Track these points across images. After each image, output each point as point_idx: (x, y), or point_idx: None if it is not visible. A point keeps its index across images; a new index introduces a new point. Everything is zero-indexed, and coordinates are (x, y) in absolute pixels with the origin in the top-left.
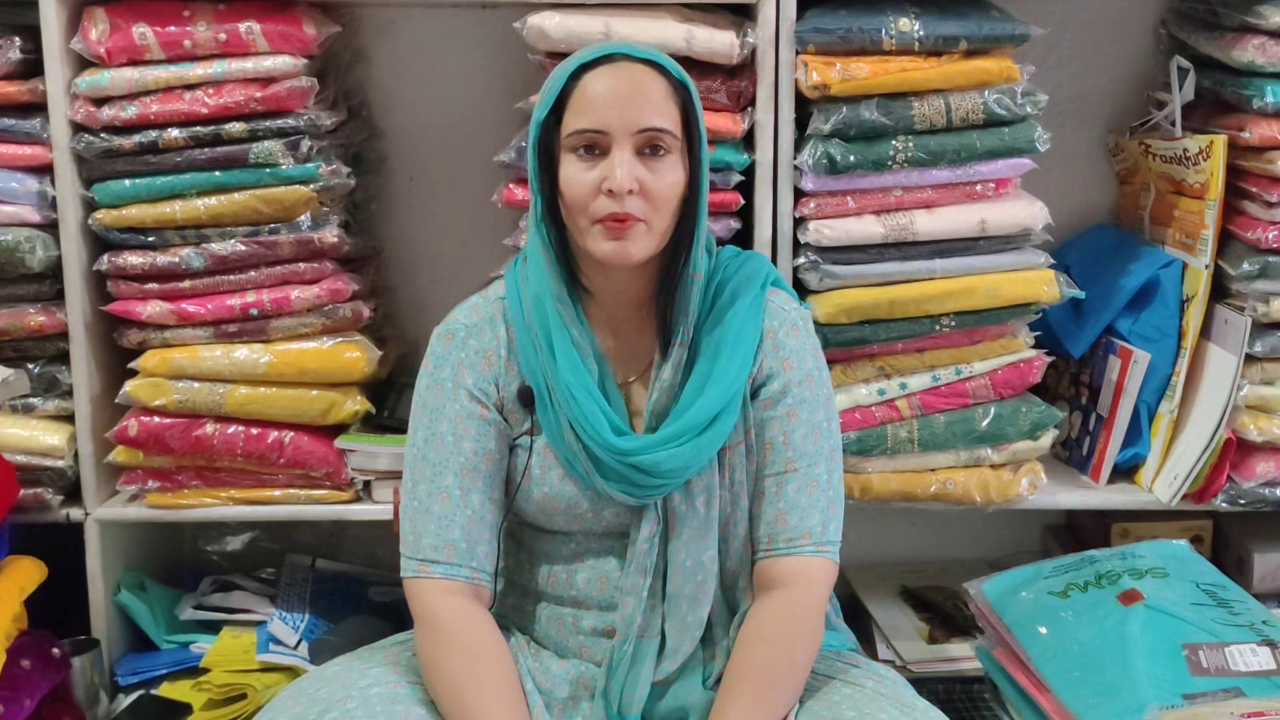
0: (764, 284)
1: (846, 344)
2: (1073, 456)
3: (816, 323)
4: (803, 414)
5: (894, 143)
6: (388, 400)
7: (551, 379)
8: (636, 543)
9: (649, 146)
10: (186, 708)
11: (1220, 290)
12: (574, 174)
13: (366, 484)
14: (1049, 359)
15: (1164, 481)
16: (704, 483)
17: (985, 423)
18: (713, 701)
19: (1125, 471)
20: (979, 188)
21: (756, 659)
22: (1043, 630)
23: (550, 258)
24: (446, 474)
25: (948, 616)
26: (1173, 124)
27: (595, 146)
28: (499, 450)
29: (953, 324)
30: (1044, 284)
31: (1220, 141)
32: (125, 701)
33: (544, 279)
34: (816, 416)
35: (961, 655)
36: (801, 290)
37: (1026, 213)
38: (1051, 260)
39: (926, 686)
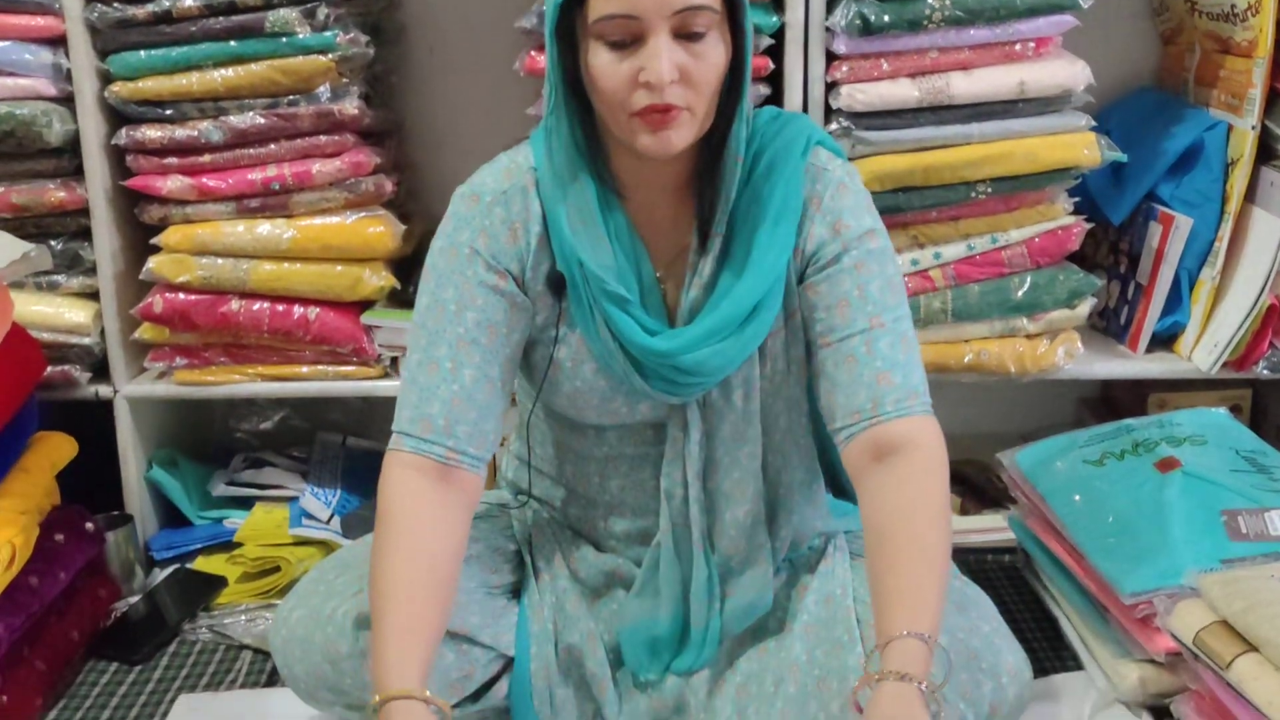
0: (805, 149)
1: (880, 213)
2: (1110, 326)
3: None
4: (873, 266)
5: (930, 1)
6: (413, 276)
7: (584, 269)
8: (674, 442)
9: (688, 28)
10: (222, 580)
11: (1267, 152)
12: (605, 66)
13: (394, 360)
14: (1088, 225)
15: (1204, 349)
16: (742, 375)
17: (1021, 292)
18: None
19: (1164, 341)
20: (1018, 47)
21: (911, 529)
22: (1077, 498)
23: (575, 145)
24: (440, 344)
25: (979, 489)
26: None
27: (627, 33)
28: (508, 325)
29: (989, 190)
30: (1084, 147)
31: None
32: (160, 575)
33: (568, 163)
34: (888, 269)
35: (993, 526)
36: None
37: (1067, 73)
38: (1093, 123)
39: (958, 558)
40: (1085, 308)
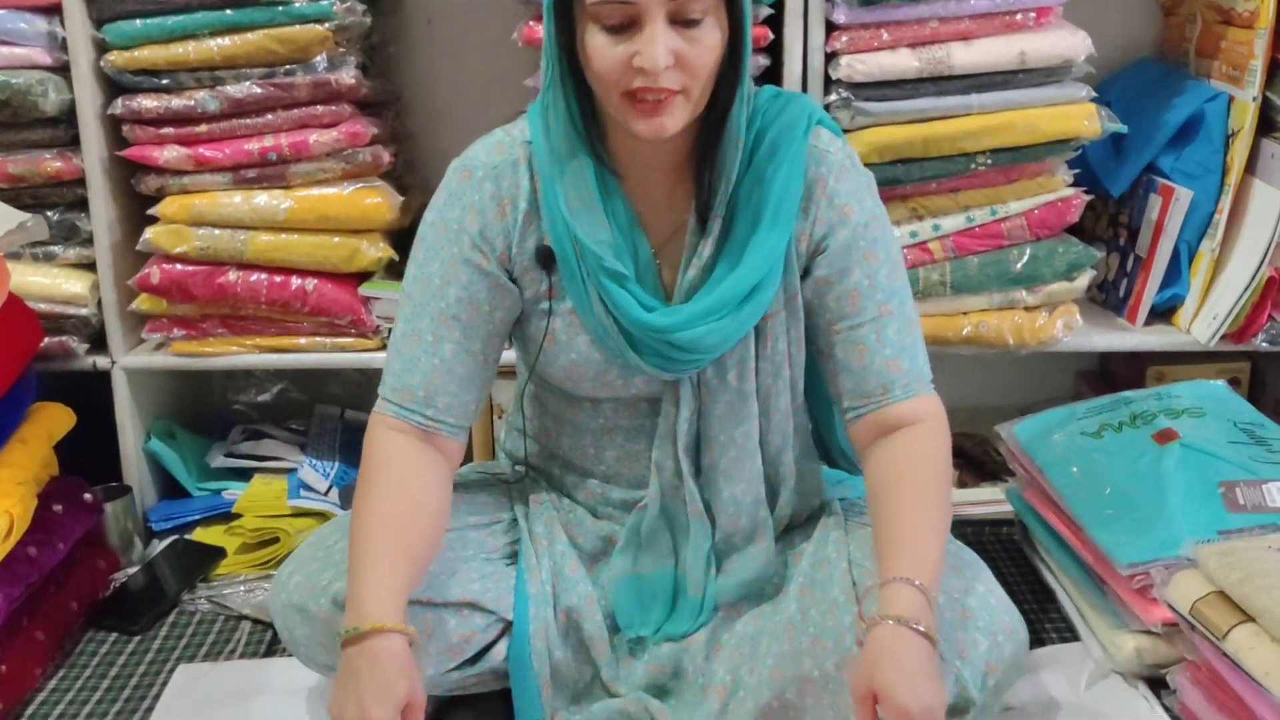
0: (806, 130)
1: (878, 185)
2: (1109, 299)
3: None
4: (880, 253)
5: None
6: (408, 246)
7: (580, 245)
8: (666, 417)
9: (684, 14)
10: (220, 551)
11: (1267, 124)
12: (600, 48)
13: (390, 331)
14: (1087, 197)
15: (1203, 322)
16: (737, 355)
17: (1020, 264)
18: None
19: (1163, 313)
20: (1019, 17)
21: (915, 477)
22: (1075, 470)
23: (572, 122)
24: (423, 317)
25: (977, 462)
26: None
27: (624, 17)
28: (490, 303)
29: (989, 162)
30: (1084, 118)
31: None
32: (159, 546)
33: (565, 139)
34: (892, 252)
35: (991, 499)
36: None
37: (1068, 43)
38: (1093, 94)
39: (955, 530)
40: (1084, 280)
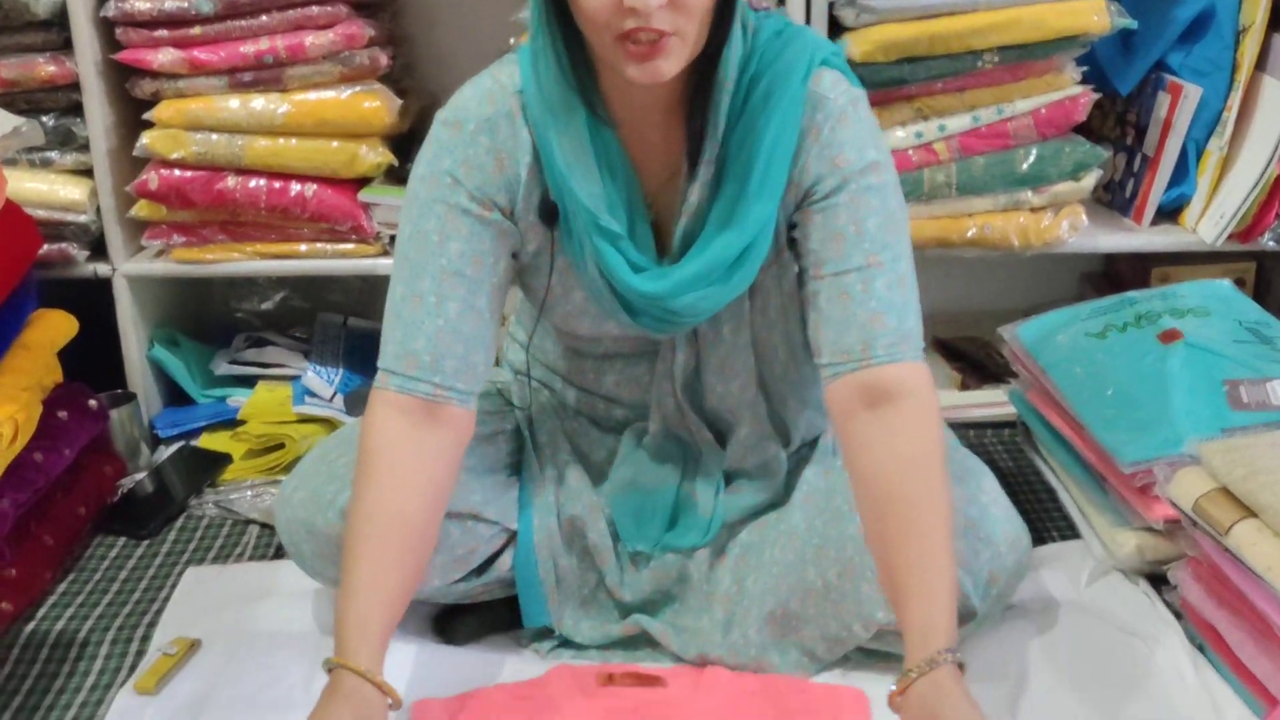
0: (806, 75)
1: (883, 85)
2: (1115, 200)
3: (851, 62)
4: (872, 200)
5: None
6: (411, 153)
7: (574, 202)
8: (664, 360)
9: None
10: (226, 457)
11: (1279, 19)
12: None
13: (392, 238)
14: (1095, 95)
15: (1209, 221)
16: (731, 310)
17: (1026, 164)
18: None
19: (1169, 214)
20: None
21: (908, 491)
22: (1078, 370)
23: (562, 70)
24: (424, 277)
25: (980, 365)
26: None
27: None
28: (494, 254)
29: (996, 60)
30: (1093, 14)
31: None
32: (166, 452)
33: (556, 87)
34: (889, 204)
35: (993, 401)
36: (837, 28)
37: None
38: None
39: (957, 433)
40: (1091, 180)
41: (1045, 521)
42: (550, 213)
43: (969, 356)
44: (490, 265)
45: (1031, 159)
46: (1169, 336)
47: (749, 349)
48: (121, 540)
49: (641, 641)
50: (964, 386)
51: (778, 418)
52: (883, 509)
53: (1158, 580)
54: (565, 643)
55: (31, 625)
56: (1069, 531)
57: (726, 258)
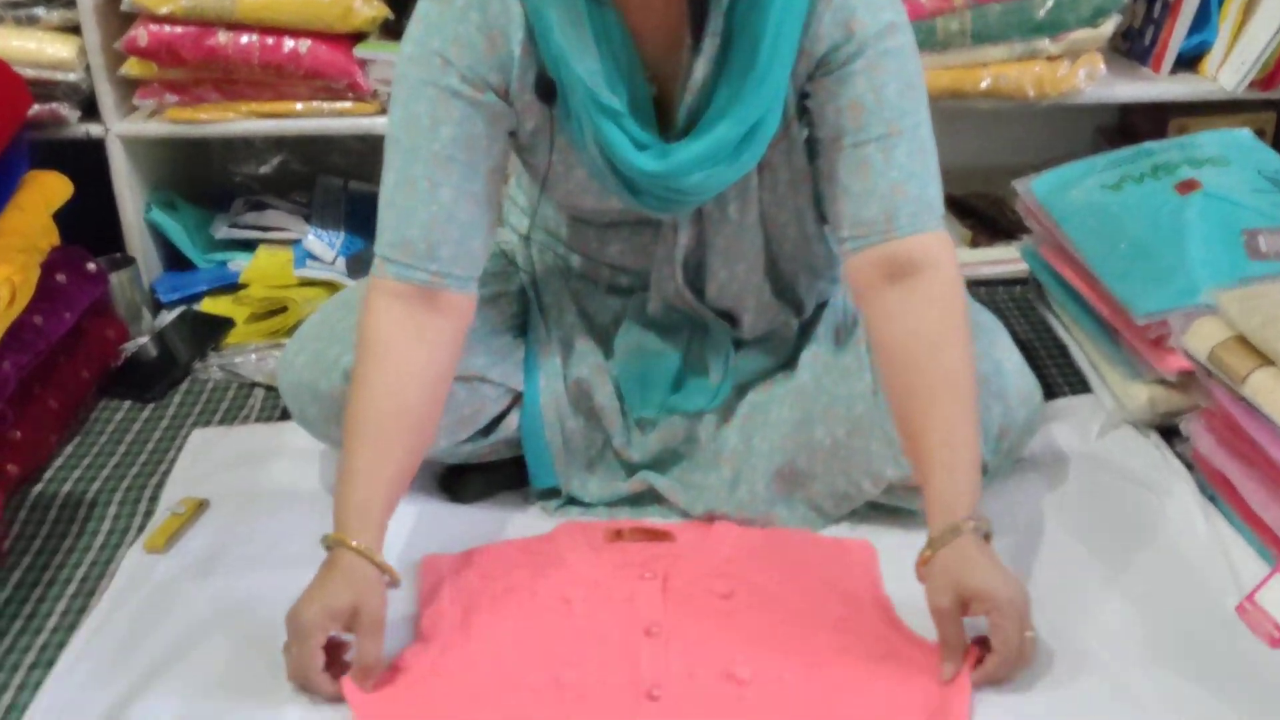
0: None
1: None
2: (1133, 48)
3: None
4: (890, 65)
5: None
6: (407, 7)
7: (568, 79)
8: (664, 239)
9: None
10: (229, 321)
11: None
12: None
13: (390, 95)
14: None
15: (1230, 68)
16: (738, 188)
17: (1044, 10)
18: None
19: (1188, 62)
20: None
21: (932, 363)
22: (1093, 223)
23: None
24: (416, 162)
25: (992, 221)
26: None
27: None
28: (489, 136)
29: None
30: None
31: None
32: (168, 317)
33: None
34: (908, 67)
35: (1004, 258)
36: None
37: None
38: None
39: (970, 291)
40: (1109, 26)
41: (1056, 377)
42: (547, 90)
43: (981, 213)
44: (484, 149)
45: (1049, 5)
46: (1186, 187)
47: (757, 228)
48: (126, 404)
49: (649, 499)
50: (975, 244)
51: (790, 293)
52: (906, 382)
53: (1169, 433)
54: (572, 501)
55: (39, 487)
56: (1080, 387)
57: (734, 135)
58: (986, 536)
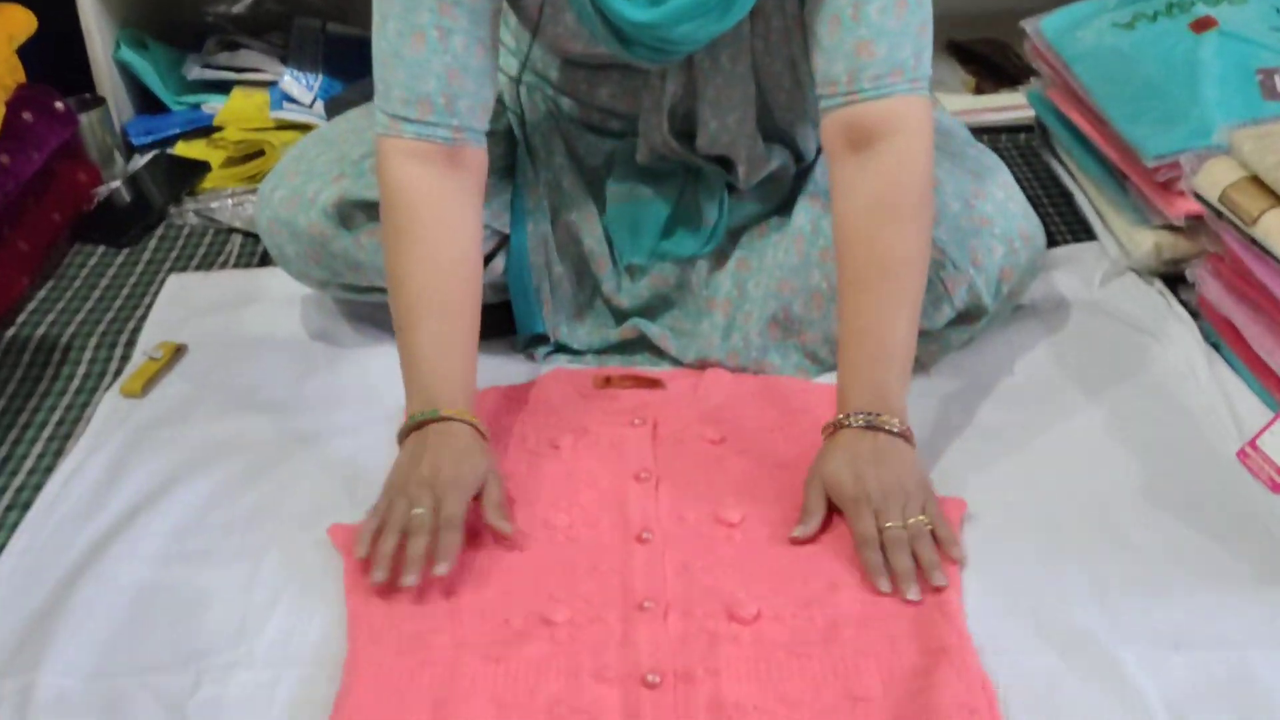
0: None
1: None
2: None
3: None
4: None
5: None
6: None
7: None
8: (651, 90)
9: None
10: (205, 165)
11: None
12: None
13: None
14: None
15: None
16: (730, 36)
17: None
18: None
19: None
20: None
21: (878, 240)
22: (1104, 64)
23: None
24: (420, 9)
25: (996, 67)
26: None
27: None
28: None
29: None
30: None
31: None
32: (141, 161)
33: None
34: None
35: (1008, 105)
36: None
37: None
38: None
39: (975, 136)
40: None
41: (1060, 225)
42: None
43: (985, 59)
44: None
45: None
46: (1202, 25)
47: (749, 77)
48: (100, 249)
49: (639, 346)
50: (979, 90)
51: (787, 142)
52: (844, 260)
53: (1173, 281)
54: (561, 348)
55: (12, 331)
56: (1084, 235)
57: None
58: (893, 432)
